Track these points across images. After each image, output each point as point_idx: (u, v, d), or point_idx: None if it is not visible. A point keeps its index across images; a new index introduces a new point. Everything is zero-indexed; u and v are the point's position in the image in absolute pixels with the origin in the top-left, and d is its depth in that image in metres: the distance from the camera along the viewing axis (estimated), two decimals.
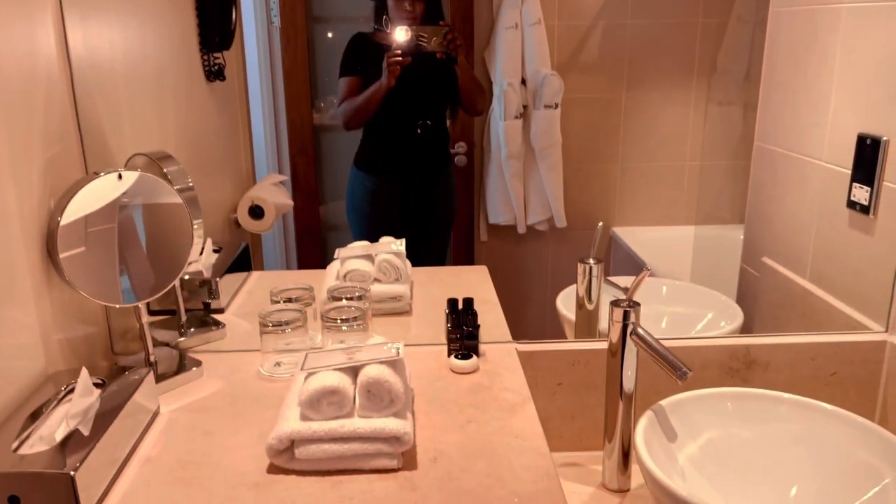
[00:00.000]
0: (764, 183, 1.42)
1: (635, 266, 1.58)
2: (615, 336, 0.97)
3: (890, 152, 1.07)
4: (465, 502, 0.71)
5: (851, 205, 1.14)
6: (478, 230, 1.66)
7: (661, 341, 0.92)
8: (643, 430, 0.91)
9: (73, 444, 0.72)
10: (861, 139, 1.11)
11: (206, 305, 1.20)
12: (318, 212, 1.61)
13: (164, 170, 1.02)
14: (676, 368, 0.90)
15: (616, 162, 1.63)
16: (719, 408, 0.99)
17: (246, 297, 1.28)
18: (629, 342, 0.96)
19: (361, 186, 1.53)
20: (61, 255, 0.84)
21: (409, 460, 0.79)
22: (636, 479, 1.03)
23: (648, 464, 0.84)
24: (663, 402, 0.98)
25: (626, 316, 0.96)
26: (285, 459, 0.77)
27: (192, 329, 1.12)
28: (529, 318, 1.52)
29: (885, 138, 1.07)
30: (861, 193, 1.12)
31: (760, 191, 1.44)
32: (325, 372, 0.80)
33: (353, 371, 0.82)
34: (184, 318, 1.13)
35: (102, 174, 0.89)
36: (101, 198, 0.88)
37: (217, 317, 1.17)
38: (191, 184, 1.04)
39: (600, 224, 1.41)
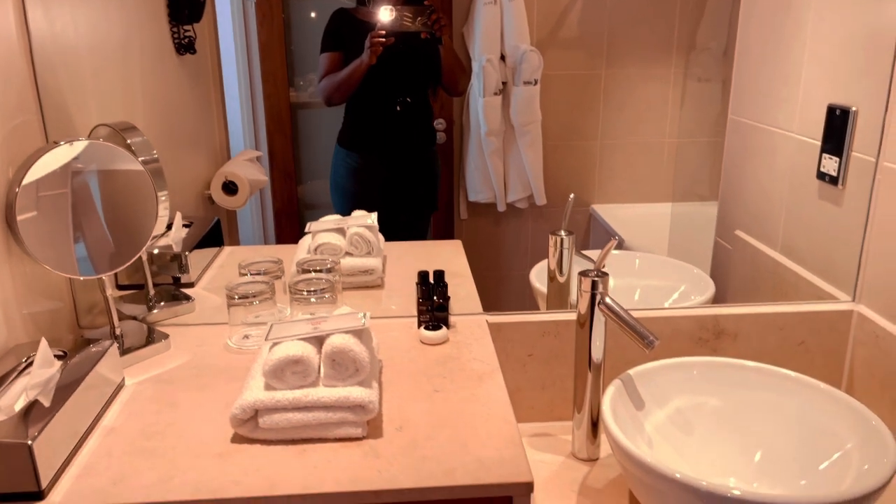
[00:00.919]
0: (737, 156, 1.43)
1: (617, 250, 1.58)
2: (584, 306, 0.97)
3: (858, 123, 1.08)
4: (429, 468, 0.71)
5: (821, 176, 1.15)
6: (457, 208, 1.65)
7: (630, 312, 0.92)
8: (610, 399, 0.92)
9: (32, 414, 0.71)
10: (831, 110, 1.11)
11: (176, 280, 1.19)
12: (296, 191, 1.60)
13: (128, 140, 1.00)
14: (644, 337, 0.90)
15: (595, 139, 1.63)
16: (686, 376, 1.00)
17: (217, 272, 1.26)
18: (597, 312, 0.96)
19: (344, 163, 1.52)
20: (18, 219, 0.82)
21: (374, 429, 0.79)
22: (605, 448, 1.04)
23: (614, 431, 0.85)
24: (631, 371, 0.98)
25: (594, 286, 0.96)
26: (249, 429, 0.77)
27: (161, 303, 1.11)
28: (509, 295, 1.52)
29: (854, 108, 1.08)
30: (830, 164, 1.12)
31: (734, 164, 1.45)
32: (289, 342, 0.80)
33: (318, 341, 0.81)
34: (152, 292, 1.12)
35: (62, 143, 0.87)
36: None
37: (187, 291, 1.16)
38: (155, 155, 1.02)
39: (571, 196, 1.41)
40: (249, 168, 1.52)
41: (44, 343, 0.78)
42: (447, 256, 1.36)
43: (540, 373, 1.09)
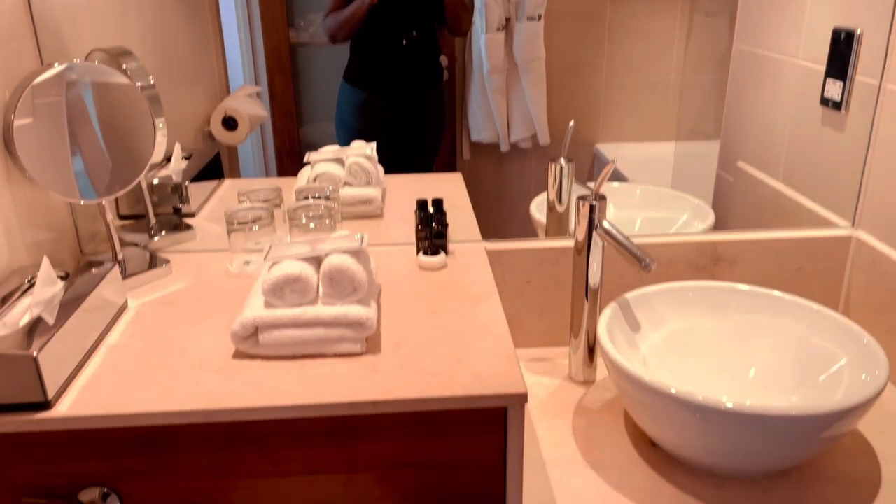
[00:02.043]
0: (742, 87, 1.41)
1: (617, 182, 1.58)
2: (581, 232, 0.97)
3: (863, 45, 1.06)
4: (426, 381, 0.73)
5: (824, 101, 1.14)
6: (460, 148, 1.64)
7: (629, 237, 0.93)
8: (606, 320, 0.93)
9: (37, 330, 0.73)
10: (836, 33, 1.09)
11: (177, 210, 1.20)
12: (297, 133, 1.59)
13: (124, 66, 0.99)
14: (640, 260, 0.91)
15: (600, 76, 1.60)
16: (682, 300, 1.01)
17: (217, 203, 1.27)
18: (595, 237, 0.97)
19: (349, 100, 1.50)
20: (15, 123, 0.82)
21: (373, 346, 0.80)
22: (601, 372, 1.05)
23: (609, 349, 0.86)
24: (628, 295, 0.99)
25: (591, 210, 0.96)
26: (250, 345, 0.78)
27: (162, 231, 1.11)
28: (512, 234, 1.53)
29: (858, 31, 1.06)
30: (834, 89, 1.11)
31: (738, 95, 1.43)
32: (288, 261, 0.80)
33: (317, 260, 0.82)
34: (153, 221, 1.13)
35: (56, 65, 0.87)
36: None
37: (188, 221, 1.17)
38: (152, 82, 1.02)
39: (571, 123, 1.39)
40: (249, 103, 1.51)
41: (46, 262, 0.79)
42: (447, 188, 1.36)
43: (538, 299, 1.10)
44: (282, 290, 0.79)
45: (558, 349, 1.12)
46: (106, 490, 0.72)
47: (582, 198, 0.97)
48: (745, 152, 1.40)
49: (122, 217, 1.17)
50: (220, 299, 0.92)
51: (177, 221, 1.16)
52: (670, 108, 1.62)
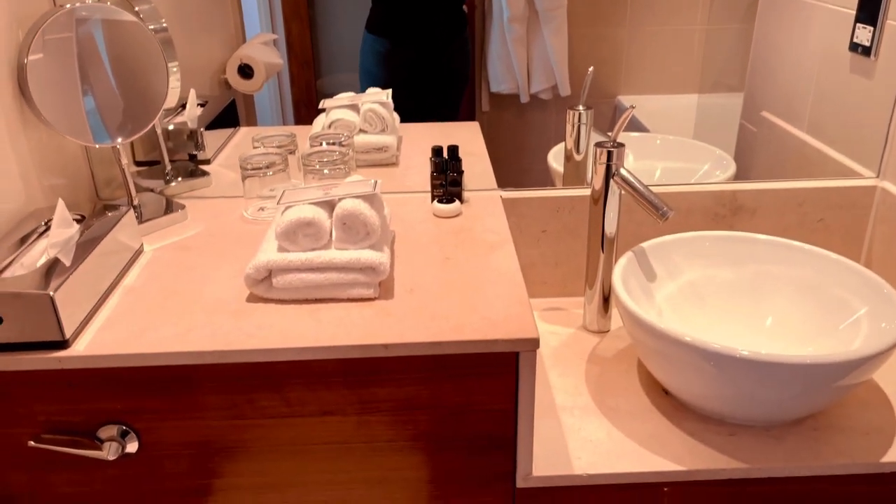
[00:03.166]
0: (769, 33, 1.36)
1: (638, 133, 1.55)
2: (598, 180, 0.96)
3: None
4: (437, 325, 0.73)
5: (853, 47, 1.10)
6: (479, 99, 1.61)
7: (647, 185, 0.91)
8: (622, 269, 0.92)
9: (54, 271, 0.73)
10: None
11: (192, 157, 1.20)
12: (315, 84, 1.57)
13: (136, 8, 0.98)
14: (658, 208, 0.89)
15: (624, 26, 1.55)
16: (699, 250, 0.99)
17: (233, 150, 1.27)
18: (612, 184, 0.95)
19: (373, 50, 1.48)
20: (28, 60, 0.82)
21: (386, 291, 0.80)
22: (615, 322, 1.05)
23: (623, 298, 0.86)
24: (644, 244, 0.98)
25: (609, 156, 0.94)
26: (263, 289, 0.79)
27: (178, 178, 1.12)
28: (528, 184, 1.51)
29: None
30: (864, 34, 1.07)
31: (765, 42, 1.38)
32: (301, 205, 0.80)
33: (330, 205, 0.82)
34: (168, 167, 1.13)
35: (68, 5, 0.86)
36: None
37: (203, 167, 1.17)
38: (164, 25, 1.01)
39: (591, 69, 1.36)
40: (265, 51, 1.49)
41: (61, 204, 0.80)
42: (464, 137, 1.34)
43: (553, 249, 1.09)
44: (294, 235, 0.79)
45: (573, 299, 1.12)
46: (124, 428, 0.74)
47: (599, 144, 0.95)
48: (770, 102, 1.36)
49: (137, 163, 1.17)
50: (235, 244, 0.92)
51: (192, 168, 1.16)
52: (694, 60, 1.58)
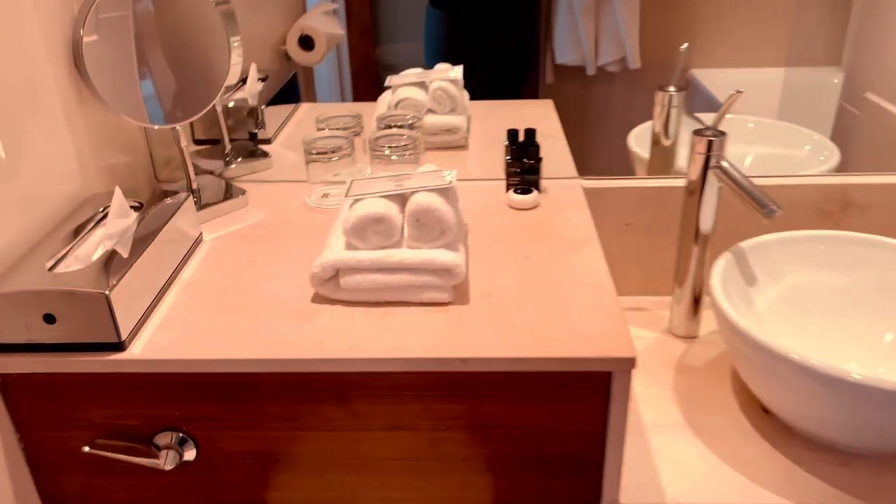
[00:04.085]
0: (873, 6, 1.23)
1: (715, 111, 1.44)
2: (695, 171, 0.86)
3: None
4: (519, 338, 0.66)
5: None
6: (543, 72, 1.52)
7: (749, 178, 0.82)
8: (720, 272, 0.83)
9: (110, 265, 0.68)
10: None
11: (253, 136, 1.14)
12: (374, 53, 1.50)
13: None
14: (763, 206, 0.80)
15: None
16: (808, 252, 0.89)
17: (294, 129, 1.21)
18: (711, 176, 0.86)
19: (437, 24, 1.40)
20: (84, 40, 0.77)
21: (460, 295, 0.73)
22: (705, 326, 0.96)
23: (723, 304, 0.77)
24: (744, 244, 0.88)
25: (710, 146, 0.85)
26: (330, 289, 0.73)
27: (238, 158, 1.06)
28: (598, 164, 1.42)
29: None
30: None
31: (868, 17, 1.25)
32: (370, 199, 0.73)
33: (402, 199, 0.75)
34: (228, 147, 1.07)
35: None
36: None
37: (264, 147, 1.11)
38: None
39: (685, 45, 1.25)
40: (326, 21, 1.42)
41: (118, 192, 0.75)
42: (537, 116, 1.25)
43: (637, 244, 1.01)
44: (364, 231, 0.72)
45: (657, 298, 1.03)
46: (181, 435, 0.69)
47: (698, 132, 0.85)
48: (876, 82, 1.23)
49: (196, 142, 1.12)
50: (298, 234, 0.86)
51: (252, 148, 1.10)
52: (779, 30, 1.45)
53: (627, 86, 1.49)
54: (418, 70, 1.18)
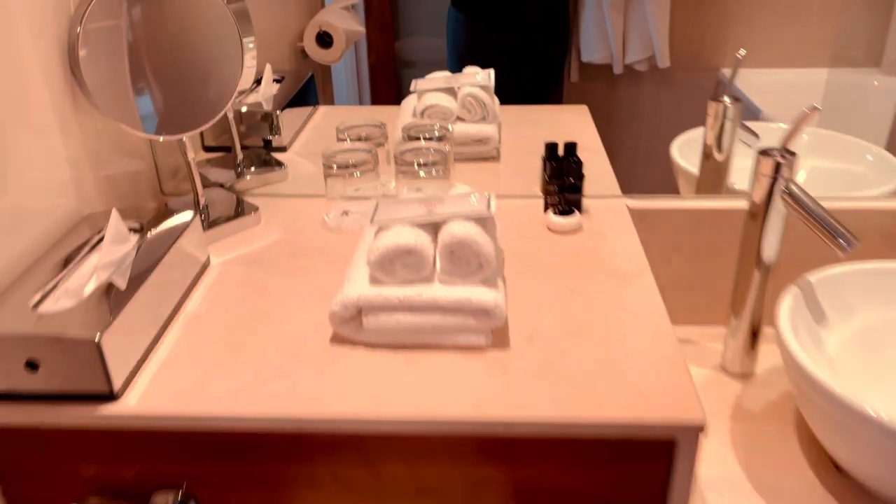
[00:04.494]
0: None
1: (749, 115, 1.34)
2: (760, 193, 0.77)
3: None
4: (569, 395, 0.57)
5: None
6: (567, 70, 1.43)
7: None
8: (789, 309, 0.74)
9: (104, 300, 0.60)
10: None
11: (267, 143, 1.06)
12: (393, 47, 1.42)
13: None
14: (839, 237, 0.71)
15: None
16: (883, 286, 0.80)
17: (311, 135, 1.12)
18: (777, 201, 0.76)
19: (461, 29, 1.31)
20: (81, 41, 0.68)
21: (499, 337, 0.64)
22: (763, 362, 0.87)
23: (795, 351, 0.68)
24: (811, 277, 0.79)
25: (777, 169, 0.75)
26: (352, 329, 0.64)
27: (251, 168, 0.98)
28: (623, 168, 1.33)
29: None
30: None
31: None
32: (399, 227, 0.65)
33: (434, 227, 0.66)
34: (240, 156, 0.99)
35: None
36: None
37: (278, 156, 1.03)
38: None
39: (742, 52, 1.15)
40: (345, 17, 1.34)
41: (115, 215, 0.67)
42: (571, 125, 1.16)
43: (686, 270, 0.91)
44: (391, 264, 0.63)
45: (706, 329, 0.94)
46: (182, 494, 0.61)
47: (765, 152, 0.76)
48: None
49: (206, 148, 1.04)
50: (316, 259, 0.78)
51: (266, 157, 1.02)
52: (818, 27, 1.35)
53: (656, 85, 1.40)
54: (445, 73, 1.09)
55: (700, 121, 1.44)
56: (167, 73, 0.75)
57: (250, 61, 0.87)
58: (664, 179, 1.26)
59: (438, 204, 0.68)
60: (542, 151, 0.92)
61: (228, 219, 0.84)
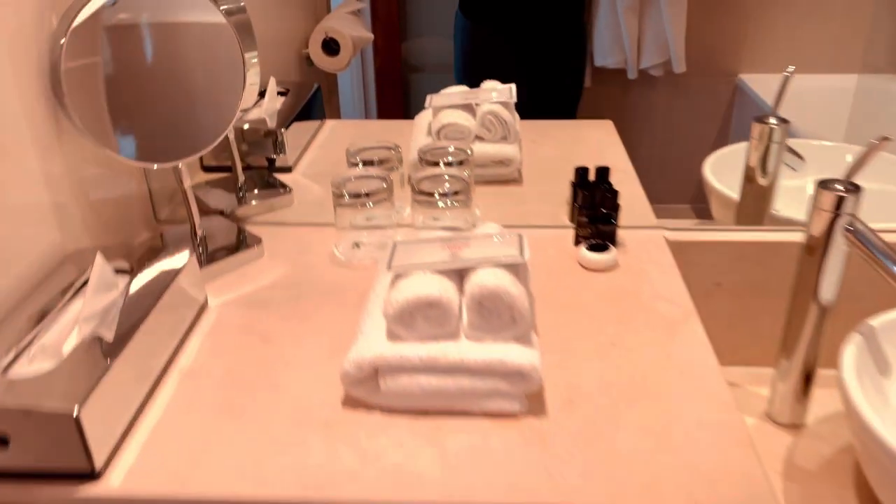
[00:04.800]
0: None
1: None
2: (819, 227, 0.69)
3: None
4: (619, 477, 0.49)
5: None
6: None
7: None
8: (854, 360, 0.66)
9: (87, 357, 0.53)
10: None
11: (271, 162, 0.98)
12: (400, 50, 1.35)
13: None
14: None
15: None
16: None
17: (318, 153, 1.05)
18: (838, 239, 0.69)
19: (470, 37, 1.24)
20: (64, 61, 0.61)
21: (534, 401, 0.57)
22: (814, 411, 0.79)
23: (862, 408, 0.60)
24: (873, 322, 0.71)
25: (840, 203, 0.67)
26: (367, 391, 0.57)
27: (254, 191, 0.91)
28: (640, 176, 1.28)
29: None
30: None
31: None
32: (420, 275, 0.57)
33: (459, 274, 0.59)
34: (242, 178, 0.91)
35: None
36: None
37: (283, 177, 0.95)
38: (242, 4, 0.78)
39: (791, 69, 1.07)
40: (352, 23, 1.27)
41: (100, 259, 0.59)
42: (597, 142, 1.09)
43: (729, 307, 0.84)
44: (412, 317, 0.56)
45: (749, 370, 0.86)
46: None
47: (825, 184, 0.68)
48: None
49: (205, 168, 0.96)
50: (324, 299, 0.70)
51: (270, 179, 0.94)
52: (843, 30, 1.29)
53: (671, 90, 1.34)
54: (462, 88, 1.01)
55: (716, 128, 1.37)
56: (163, 92, 0.67)
57: (253, 78, 0.80)
58: (680, 189, 1.20)
59: (464, 246, 0.60)
60: (567, 172, 0.85)
61: (229, 252, 0.77)
